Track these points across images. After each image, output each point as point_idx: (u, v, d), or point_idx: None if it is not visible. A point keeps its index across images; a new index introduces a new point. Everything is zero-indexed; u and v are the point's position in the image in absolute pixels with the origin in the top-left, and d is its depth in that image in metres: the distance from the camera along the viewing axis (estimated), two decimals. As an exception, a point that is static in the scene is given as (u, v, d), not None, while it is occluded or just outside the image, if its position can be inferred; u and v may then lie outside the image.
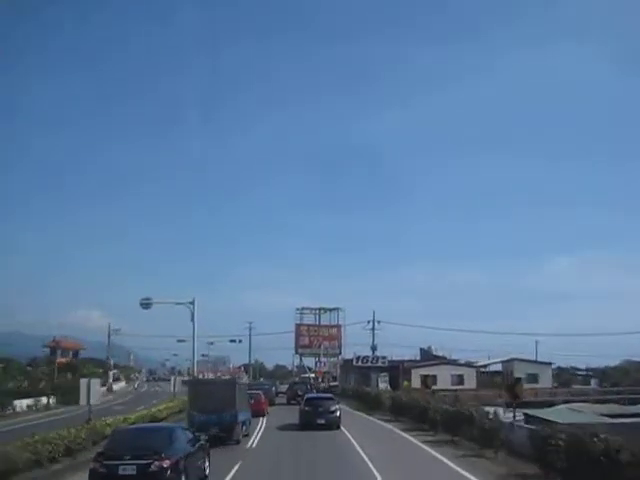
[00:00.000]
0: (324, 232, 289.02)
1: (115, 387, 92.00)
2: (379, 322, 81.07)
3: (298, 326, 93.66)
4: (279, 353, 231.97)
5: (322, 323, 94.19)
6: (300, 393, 45.27)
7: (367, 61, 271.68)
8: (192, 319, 43.13)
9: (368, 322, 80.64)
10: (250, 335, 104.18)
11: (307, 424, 28.50)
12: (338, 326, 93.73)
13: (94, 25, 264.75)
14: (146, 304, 43.29)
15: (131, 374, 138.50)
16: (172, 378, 39.70)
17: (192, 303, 43.24)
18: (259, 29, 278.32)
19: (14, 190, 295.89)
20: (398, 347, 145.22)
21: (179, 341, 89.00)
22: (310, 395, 35.14)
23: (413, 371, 63.15)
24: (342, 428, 28.88)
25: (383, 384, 59.39)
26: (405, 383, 61.79)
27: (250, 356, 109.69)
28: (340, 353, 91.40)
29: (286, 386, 64.92)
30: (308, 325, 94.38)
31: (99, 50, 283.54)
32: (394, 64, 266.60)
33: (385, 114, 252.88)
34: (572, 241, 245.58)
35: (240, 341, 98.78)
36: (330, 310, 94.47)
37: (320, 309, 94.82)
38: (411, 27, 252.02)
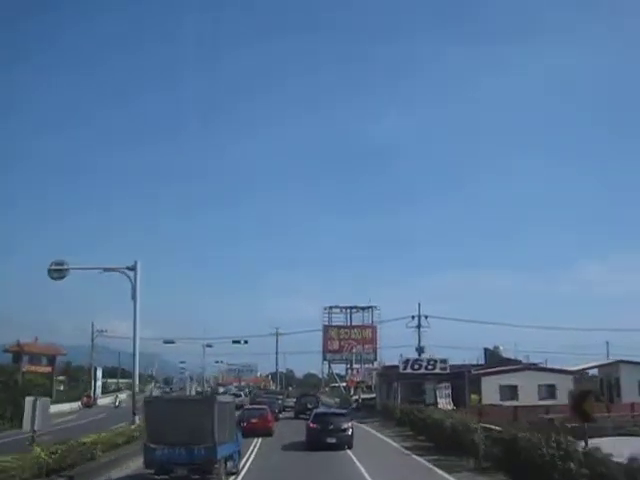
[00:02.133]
0: (350, 235, 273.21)
1: (104, 401, 76.48)
2: (426, 317, 63.36)
3: (326, 328, 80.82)
4: (310, 360, 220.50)
5: (354, 324, 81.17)
6: (310, 407, 41.41)
7: (377, 62, 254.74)
8: (133, 296, 25.51)
9: (413, 318, 63.18)
10: (277, 342, 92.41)
11: (315, 443, 25.63)
12: (373, 327, 79.42)
13: (95, 28, 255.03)
14: (58, 271, 26.27)
15: (146, 385, 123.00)
16: (28, 402, 17.34)
17: (132, 269, 25.46)
18: (263, 31, 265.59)
19: (13, 189, 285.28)
20: (447, 349, 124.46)
21: (166, 342, 75.25)
22: (319, 410, 32.24)
23: (484, 380, 44.41)
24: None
25: (444, 399, 40.84)
26: (473, 397, 43.40)
27: (277, 364, 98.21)
28: (375, 358, 76.73)
29: (294, 399, 55.09)
30: (338, 327, 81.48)
31: (101, 53, 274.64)
32: (399, 65, 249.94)
33: (405, 114, 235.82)
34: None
35: (246, 342, 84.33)
36: (363, 309, 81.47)
37: (351, 307, 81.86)
38: (414, 28, 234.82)
